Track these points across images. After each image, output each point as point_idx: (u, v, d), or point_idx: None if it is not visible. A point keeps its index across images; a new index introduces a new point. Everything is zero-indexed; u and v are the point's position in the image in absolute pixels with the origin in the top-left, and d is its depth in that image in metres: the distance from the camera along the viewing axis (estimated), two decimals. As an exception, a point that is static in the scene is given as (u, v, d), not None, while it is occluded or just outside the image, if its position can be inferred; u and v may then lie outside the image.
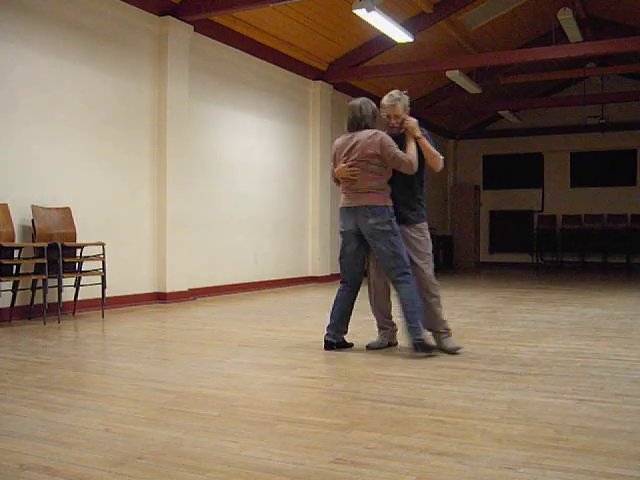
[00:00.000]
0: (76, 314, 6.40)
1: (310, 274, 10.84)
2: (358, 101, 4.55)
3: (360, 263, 4.61)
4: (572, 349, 4.60)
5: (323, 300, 8.29)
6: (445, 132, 16.68)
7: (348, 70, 10.74)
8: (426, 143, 4.46)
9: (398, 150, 4.34)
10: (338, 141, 4.60)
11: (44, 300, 5.81)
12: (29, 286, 6.06)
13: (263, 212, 9.71)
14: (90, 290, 6.36)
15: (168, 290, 7.61)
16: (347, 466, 2.29)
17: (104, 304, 6.30)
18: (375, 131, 4.40)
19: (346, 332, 4.64)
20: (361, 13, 7.81)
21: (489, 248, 16.81)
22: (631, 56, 12.07)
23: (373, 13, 7.76)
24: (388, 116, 4.51)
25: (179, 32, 7.75)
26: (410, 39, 9.03)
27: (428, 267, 4.54)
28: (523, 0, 10.63)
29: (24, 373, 3.84)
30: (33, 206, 6.14)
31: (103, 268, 6.27)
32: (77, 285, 6.33)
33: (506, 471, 2.24)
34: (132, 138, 7.37)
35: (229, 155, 8.97)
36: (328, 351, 4.54)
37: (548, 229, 15.66)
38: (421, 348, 4.25)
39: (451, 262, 15.58)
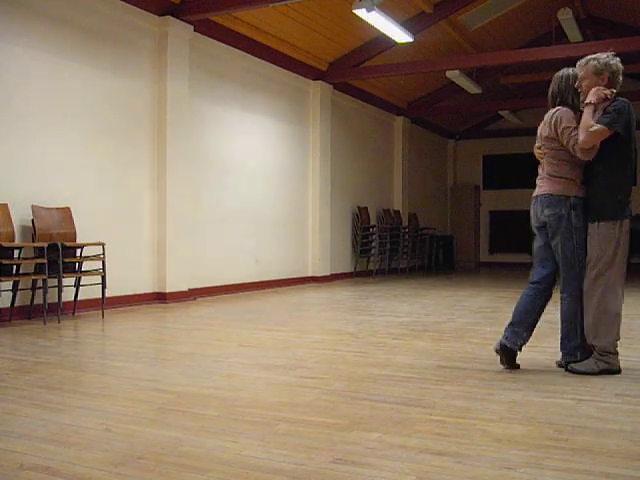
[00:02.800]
0: (76, 314, 6.40)
1: (310, 274, 10.84)
2: (561, 72, 4.00)
3: (548, 260, 3.93)
4: (572, 349, 4.59)
5: (323, 300, 8.29)
6: (445, 132, 16.68)
7: (348, 70, 10.74)
8: (585, 115, 3.72)
9: (574, 130, 3.70)
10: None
11: (44, 300, 5.81)
12: (29, 286, 6.06)
13: (263, 212, 9.71)
14: (90, 290, 6.36)
15: (168, 290, 7.61)
16: (347, 466, 2.29)
17: (104, 304, 6.30)
18: (557, 108, 3.85)
19: (525, 340, 3.96)
20: (361, 13, 7.82)
21: (489, 248, 16.81)
22: (631, 56, 12.06)
23: (373, 13, 7.77)
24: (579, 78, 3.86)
25: (179, 32, 7.75)
26: (410, 39, 9.04)
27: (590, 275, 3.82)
28: (523, 0, 10.64)
29: (24, 373, 3.83)
30: (33, 206, 6.14)
31: (103, 268, 6.27)
32: (77, 285, 6.33)
33: (506, 471, 2.24)
34: (132, 138, 7.37)
35: (229, 155, 8.97)
36: (326, 351, 4.53)
37: (548, 229, 15.63)
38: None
39: (451, 262, 15.58)
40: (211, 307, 7.36)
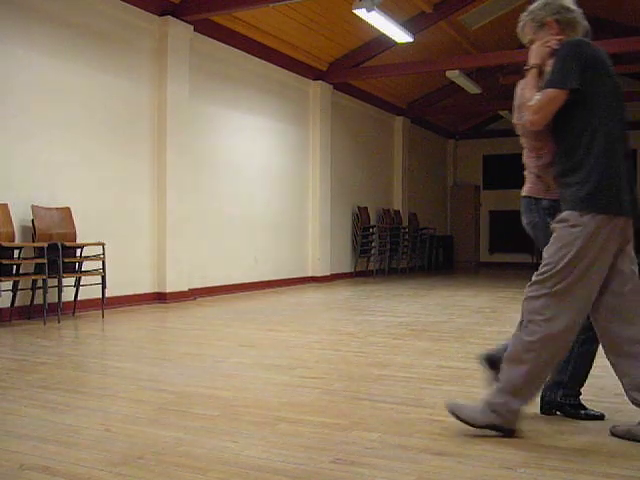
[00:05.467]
0: (76, 314, 6.39)
1: (310, 274, 10.83)
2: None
3: None
4: (572, 349, 4.59)
5: (323, 300, 8.29)
6: (445, 132, 16.68)
7: (348, 70, 10.74)
8: (527, 80, 2.74)
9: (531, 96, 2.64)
10: None
11: (44, 300, 5.81)
12: (29, 286, 6.06)
13: (263, 212, 9.71)
14: (90, 290, 6.36)
15: (168, 290, 7.61)
16: (347, 466, 2.29)
17: (104, 304, 6.30)
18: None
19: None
20: (361, 13, 7.81)
21: (489, 248, 16.81)
22: (631, 56, 12.06)
23: (373, 13, 7.77)
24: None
25: (179, 32, 7.75)
26: (410, 39, 9.04)
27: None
28: (523, 0, 10.63)
29: (24, 373, 3.83)
30: (33, 206, 6.14)
31: (103, 268, 6.27)
32: (77, 285, 6.33)
33: (506, 471, 2.24)
34: (132, 138, 7.37)
35: (229, 155, 8.96)
36: (326, 351, 4.52)
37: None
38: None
39: (451, 262, 15.59)
40: (211, 307, 7.36)
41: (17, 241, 5.99)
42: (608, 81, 2.62)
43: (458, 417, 2.65)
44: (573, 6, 2.75)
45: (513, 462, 2.32)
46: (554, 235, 2.58)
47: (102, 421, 2.84)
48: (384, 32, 8.85)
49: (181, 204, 7.82)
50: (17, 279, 5.83)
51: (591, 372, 3.79)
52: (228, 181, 8.94)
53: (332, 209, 11.29)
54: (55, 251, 5.88)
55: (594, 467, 2.27)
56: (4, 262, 5.59)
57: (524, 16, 2.79)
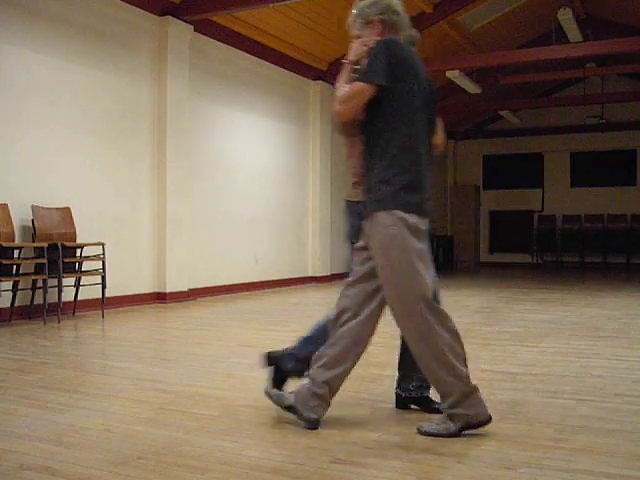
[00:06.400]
0: (76, 314, 6.39)
1: (310, 274, 10.83)
2: None
3: None
4: (572, 349, 4.60)
5: (323, 300, 8.29)
6: (445, 132, 16.66)
7: (348, 70, 10.73)
8: (341, 74, 2.78)
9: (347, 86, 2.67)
10: None
11: (44, 300, 5.81)
12: (29, 286, 6.06)
13: (263, 212, 9.71)
14: (90, 290, 6.36)
15: (168, 290, 7.61)
16: (347, 466, 2.29)
17: (104, 304, 6.30)
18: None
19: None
20: (361, 13, 7.81)
21: (489, 248, 16.80)
22: (631, 56, 12.07)
23: (373, 13, 7.76)
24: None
25: (179, 32, 7.75)
26: (410, 39, 9.03)
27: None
28: (523, 0, 10.63)
29: (24, 373, 3.83)
30: (33, 206, 6.14)
31: (103, 268, 6.27)
32: (77, 285, 6.33)
33: (506, 471, 2.24)
34: (132, 138, 7.37)
35: (229, 155, 8.97)
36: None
37: (548, 229, 15.65)
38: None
39: (451, 262, 15.58)
40: (211, 307, 7.36)
41: (17, 241, 5.99)
42: (415, 83, 2.64)
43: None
44: (400, 10, 2.79)
45: (513, 462, 2.32)
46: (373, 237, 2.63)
47: (102, 421, 2.84)
48: (384, 32, 8.84)
49: (181, 204, 7.82)
50: (17, 279, 5.83)
51: (591, 372, 3.80)
52: (228, 181, 8.94)
53: (332, 209, 11.29)
54: (55, 251, 5.88)
55: (594, 467, 2.27)
56: (4, 262, 5.59)
57: (353, 14, 2.82)
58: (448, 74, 11.07)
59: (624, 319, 6.21)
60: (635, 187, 15.20)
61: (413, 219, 2.66)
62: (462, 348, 2.68)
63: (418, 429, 2.64)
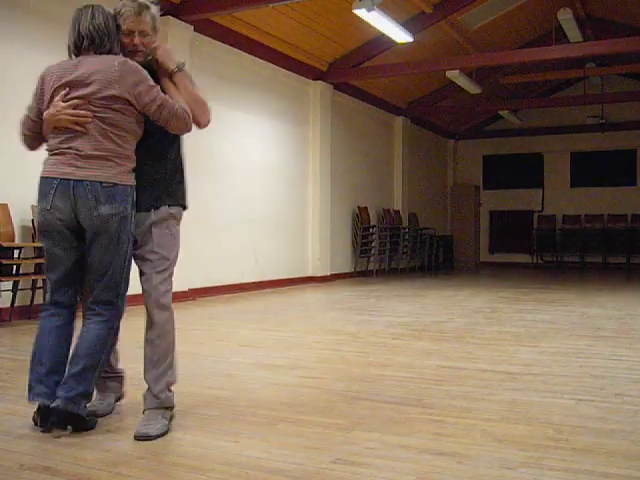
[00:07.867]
0: (76, 314, 6.38)
1: (310, 274, 10.83)
2: (91, 7, 2.90)
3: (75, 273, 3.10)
4: (572, 349, 4.60)
5: (323, 300, 8.29)
6: (445, 132, 16.68)
7: (348, 70, 10.74)
8: (186, 82, 2.90)
9: (165, 95, 2.78)
10: (51, 68, 3.12)
11: (44, 300, 5.79)
12: (29, 286, 6.06)
13: (263, 212, 9.71)
14: (90, 290, 6.35)
15: (168, 290, 7.59)
16: (347, 466, 2.29)
17: (104, 304, 6.29)
18: (124, 59, 2.77)
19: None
20: (361, 13, 7.81)
21: (489, 248, 16.81)
22: (631, 56, 12.07)
23: (373, 13, 7.77)
24: (130, 33, 2.84)
25: (179, 32, 7.74)
26: (410, 39, 9.04)
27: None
28: (523, 0, 10.64)
29: (24, 373, 3.82)
30: (33, 206, 6.13)
31: (103, 268, 6.26)
32: (77, 285, 6.32)
33: (506, 471, 2.24)
34: (132, 138, 7.36)
35: (229, 155, 8.96)
36: (326, 351, 4.52)
37: (548, 229, 15.67)
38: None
39: (451, 262, 15.59)
40: (211, 307, 7.36)
41: (17, 241, 5.99)
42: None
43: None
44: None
45: (513, 462, 2.32)
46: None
47: (102, 421, 2.84)
48: (384, 32, 8.85)
49: (181, 204, 7.81)
50: (17, 279, 5.83)
51: (591, 372, 3.80)
52: (228, 181, 8.94)
53: (332, 209, 11.29)
54: (55, 251, 5.87)
55: (594, 467, 2.27)
56: (4, 262, 5.59)
57: (145, 8, 2.83)
58: (448, 74, 11.08)
59: (624, 319, 6.22)
60: (635, 187, 15.21)
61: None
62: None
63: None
